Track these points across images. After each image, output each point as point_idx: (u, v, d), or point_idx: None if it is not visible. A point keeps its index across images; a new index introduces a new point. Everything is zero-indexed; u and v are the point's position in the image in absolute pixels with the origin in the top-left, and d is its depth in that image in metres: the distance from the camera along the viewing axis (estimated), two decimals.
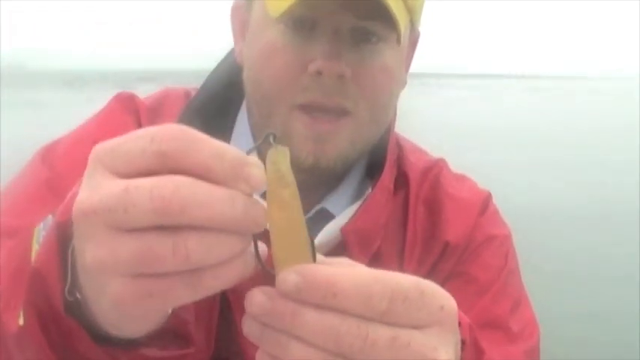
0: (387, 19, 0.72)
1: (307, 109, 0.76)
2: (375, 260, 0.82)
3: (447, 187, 0.91)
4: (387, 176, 0.86)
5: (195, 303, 0.79)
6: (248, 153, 0.43)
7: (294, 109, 0.76)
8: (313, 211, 0.83)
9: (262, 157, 0.43)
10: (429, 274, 0.84)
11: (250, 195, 0.41)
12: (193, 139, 0.40)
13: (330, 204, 0.84)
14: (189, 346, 0.57)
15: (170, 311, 0.51)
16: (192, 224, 0.39)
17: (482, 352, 0.67)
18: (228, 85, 0.87)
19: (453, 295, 0.46)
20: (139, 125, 0.85)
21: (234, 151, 0.41)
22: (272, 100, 0.77)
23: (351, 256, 0.47)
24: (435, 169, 0.92)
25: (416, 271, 0.68)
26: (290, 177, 0.43)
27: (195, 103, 0.87)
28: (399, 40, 0.74)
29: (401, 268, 0.65)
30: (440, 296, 0.45)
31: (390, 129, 0.87)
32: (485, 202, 0.91)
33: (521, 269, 0.91)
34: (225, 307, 0.79)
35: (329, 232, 0.81)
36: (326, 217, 0.83)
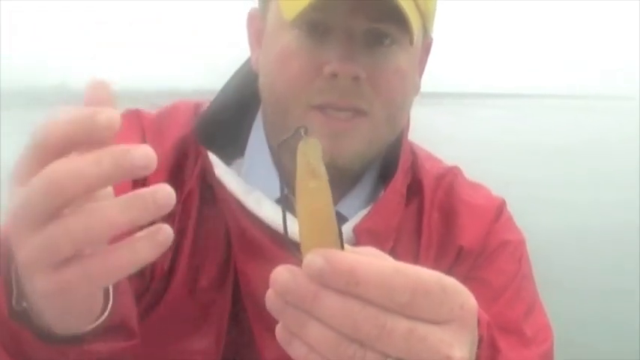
0: (399, 21, 0.73)
1: (323, 108, 0.76)
2: None
3: (462, 193, 0.91)
4: (400, 179, 0.86)
5: (204, 305, 0.80)
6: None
7: (309, 110, 0.77)
8: None
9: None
10: None
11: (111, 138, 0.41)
12: (47, 124, 0.41)
13: (343, 208, 0.84)
14: (132, 338, 0.59)
15: (110, 309, 0.53)
16: (78, 198, 0.40)
17: (499, 351, 0.67)
18: (243, 94, 0.88)
19: None
20: (144, 141, 0.85)
21: (78, 110, 0.41)
22: (287, 102, 0.78)
23: None
24: (450, 176, 0.92)
25: None
26: (319, 169, 0.44)
27: (209, 112, 0.87)
28: (411, 41, 0.75)
29: None
30: (461, 294, 0.45)
31: (403, 135, 0.87)
32: (499, 209, 0.91)
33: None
34: (241, 311, 0.80)
35: (342, 233, 0.81)
36: (340, 219, 0.83)
